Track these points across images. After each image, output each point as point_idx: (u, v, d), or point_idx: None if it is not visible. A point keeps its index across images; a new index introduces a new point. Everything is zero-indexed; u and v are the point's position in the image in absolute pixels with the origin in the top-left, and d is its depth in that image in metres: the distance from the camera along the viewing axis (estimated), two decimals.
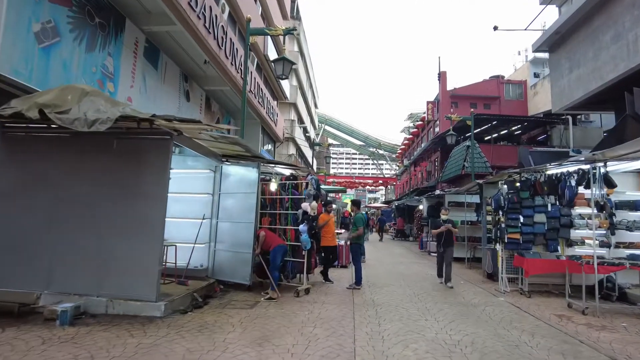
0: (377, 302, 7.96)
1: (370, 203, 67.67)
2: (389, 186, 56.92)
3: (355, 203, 9.64)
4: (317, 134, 54.05)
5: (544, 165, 8.40)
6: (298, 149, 34.32)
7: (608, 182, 7.57)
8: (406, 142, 49.07)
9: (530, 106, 33.44)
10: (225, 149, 8.24)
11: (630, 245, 9.43)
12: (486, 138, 28.11)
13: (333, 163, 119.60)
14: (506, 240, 9.40)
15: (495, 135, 29.17)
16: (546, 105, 28.89)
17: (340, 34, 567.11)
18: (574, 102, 16.51)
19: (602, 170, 7.57)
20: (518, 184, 9.45)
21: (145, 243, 6.35)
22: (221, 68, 13.60)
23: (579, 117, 26.94)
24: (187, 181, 9.06)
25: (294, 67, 34.38)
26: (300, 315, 6.69)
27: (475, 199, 15.20)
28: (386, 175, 61.11)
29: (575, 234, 9.51)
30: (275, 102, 27.36)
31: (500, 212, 9.50)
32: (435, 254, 16.99)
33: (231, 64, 14.21)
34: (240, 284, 8.43)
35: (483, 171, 21.06)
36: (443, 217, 10.61)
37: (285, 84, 27.73)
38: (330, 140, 67.35)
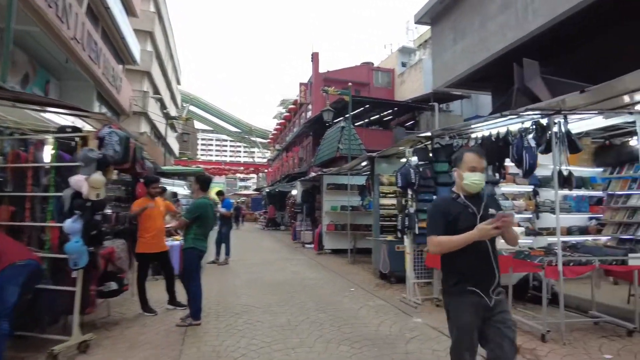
0: (226, 354, 4.23)
1: (241, 191, 63.18)
2: (260, 173, 53.35)
3: (201, 179, 5.59)
4: (180, 115, 47.64)
5: (478, 120, 5.62)
6: (153, 127, 28.43)
7: (572, 144, 5.01)
8: (278, 127, 45.88)
9: (397, 94, 33.01)
10: None
11: (554, 232, 7.29)
12: (358, 123, 26.66)
13: (202, 150, 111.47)
14: (417, 231, 6.49)
15: (367, 120, 28.01)
16: (413, 94, 28.41)
17: (211, 17, 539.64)
18: (458, 76, 14.59)
19: (564, 127, 4.97)
20: (431, 153, 6.59)
21: None
22: None
23: (441, 105, 26.80)
24: None
25: (149, 29, 28.07)
26: None
27: (359, 180, 12.44)
28: (258, 162, 57.34)
29: None
30: (121, 67, 21.48)
31: (410, 192, 6.53)
32: (311, 246, 14.21)
33: None
34: None
35: (358, 154, 18.86)
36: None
37: (134, 46, 21.88)
38: (197, 125, 60.90)
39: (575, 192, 7.63)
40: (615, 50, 8.53)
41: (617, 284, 7.04)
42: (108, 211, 6.79)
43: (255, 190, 44.47)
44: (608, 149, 7.24)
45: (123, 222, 6.82)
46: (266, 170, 49.55)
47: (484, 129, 5.93)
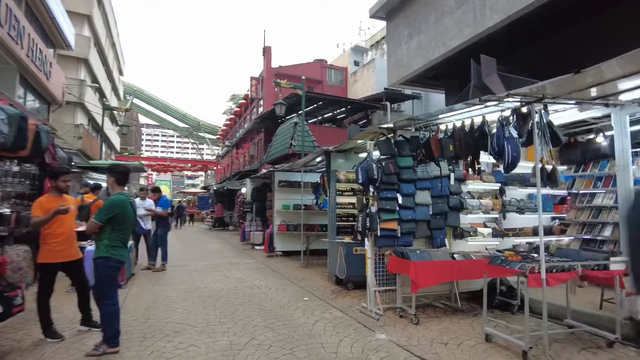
0: None
1: (187, 189, 60.28)
2: (209, 171, 51.11)
3: (117, 171, 4.43)
4: (122, 105, 44.52)
5: (451, 108, 4.94)
6: (92, 119, 26.00)
7: (555, 136, 4.45)
8: (228, 122, 44.01)
9: (350, 93, 32.66)
10: None
11: (520, 232, 6.86)
12: (311, 120, 25.98)
13: (147, 145, 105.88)
14: (379, 233, 5.74)
15: (320, 118, 27.45)
16: (365, 93, 28.21)
17: (158, 7, 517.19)
18: (413, 72, 14.13)
19: (545, 117, 4.40)
20: (397, 145, 5.87)
21: None
22: None
23: (392, 105, 26.71)
24: None
25: (86, 13, 25.56)
26: None
27: (313, 177, 11.62)
28: (206, 159, 54.98)
29: (465, 219, 6.48)
30: (52, 51, 19.30)
31: (371, 189, 5.76)
32: (261, 247, 13.16)
33: None
34: None
35: (311, 150, 18.10)
36: None
37: (68, 29, 19.65)
38: (142, 119, 57.45)
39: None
40: (572, 48, 8.32)
41: (581, 287, 6.71)
42: (6, 211, 5.49)
43: (203, 188, 42.39)
44: (573, 147, 6.89)
45: (26, 224, 5.56)
46: (215, 168, 47.60)
47: (453, 119, 5.29)
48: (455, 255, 5.63)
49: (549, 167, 5.53)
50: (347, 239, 7.61)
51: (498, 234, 6.45)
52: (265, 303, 6.36)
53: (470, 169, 5.13)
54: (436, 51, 12.12)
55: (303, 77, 17.53)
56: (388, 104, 24.16)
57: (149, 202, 9.29)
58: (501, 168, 4.50)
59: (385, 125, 6.07)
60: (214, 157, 50.71)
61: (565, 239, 7.27)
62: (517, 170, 7.12)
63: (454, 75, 12.29)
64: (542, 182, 4.32)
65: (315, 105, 23.51)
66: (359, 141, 7.16)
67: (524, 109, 4.35)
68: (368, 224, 5.66)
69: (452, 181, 6.34)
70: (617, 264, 4.60)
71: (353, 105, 25.31)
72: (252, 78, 32.52)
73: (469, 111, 4.93)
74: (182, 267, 9.84)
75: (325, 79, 32.94)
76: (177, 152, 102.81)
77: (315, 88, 32.10)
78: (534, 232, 6.99)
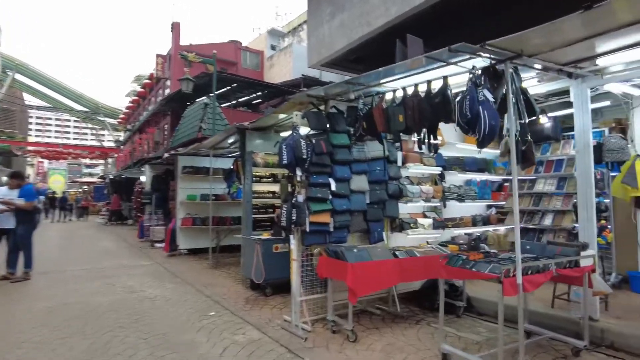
0: None
1: (84, 178, 53.55)
2: (110, 159, 45.76)
3: None
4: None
5: (398, 66, 3.79)
6: None
7: (529, 105, 3.54)
8: (131, 104, 39.45)
9: (266, 77, 31.02)
10: None
11: (459, 223, 6.09)
12: (224, 105, 23.94)
13: (38, 130, 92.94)
14: (308, 229, 4.48)
15: (234, 102, 25.48)
16: (282, 78, 26.88)
17: None
18: (335, 53, 13.01)
19: (517, 81, 3.46)
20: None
21: None
22: None
23: None
24: None
25: None
26: None
27: (224, 163, 10.03)
28: (108, 146, 49.20)
29: (404, 209, 5.49)
30: None
31: (299, 172, 4.46)
32: (162, 246, 11.13)
33: None
34: None
35: None
36: None
37: None
38: (28, 99, 49.33)
39: (478, 177, 6.57)
40: (505, 33, 7.81)
41: None
42: None
43: (100, 177, 37.64)
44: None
45: None
46: (116, 155, 42.82)
47: (402, 84, 4.18)
48: (397, 253, 4.59)
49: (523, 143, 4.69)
50: (265, 235, 6.26)
51: (439, 224, 5.59)
52: (158, 323, 4.78)
53: (423, 146, 4.08)
54: (360, 30, 11.09)
55: (214, 52, 15.62)
56: (306, 90, 23.06)
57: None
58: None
59: (315, 93, 4.80)
60: (115, 144, 45.46)
61: (502, 229, 6.72)
62: (453, 154, 6.40)
63: (377, 58, 11.34)
64: (517, 162, 3.38)
65: (229, 87, 21.58)
66: (282, 115, 5.82)
67: (499, 67, 3.36)
68: (294, 217, 4.36)
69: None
70: (586, 259, 3.89)
71: (270, 90, 23.78)
72: (158, 55, 29.24)
73: (423, 72, 3.85)
74: (56, 275, 7.68)
75: (240, 62, 30.95)
76: (74, 139, 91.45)
77: (229, 70, 29.88)
78: (473, 222, 6.28)
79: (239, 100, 25.27)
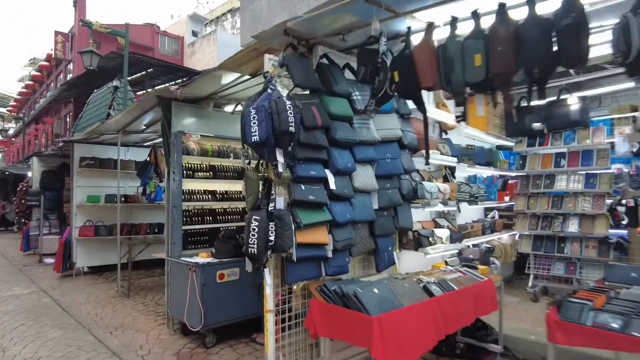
0: None
1: None
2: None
3: None
4: None
5: None
6: None
7: None
8: (24, 90, 33.21)
9: (186, 65, 27.81)
10: None
11: (471, 232, 4.54)
12: (140, 92, 20.66)
13: None
14: (295, 257, 2.53)
15: (150, 90, 22.16)
16: (204, 66, 24.03)
17: None
18: (273, 27, 10.93)
19: None
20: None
21: None
22: None
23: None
24: None
25: None
26: None
27: (138, 153, 7.60)
28: None
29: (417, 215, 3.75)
30: None
31: (280, 158, 2.48)
32: (51, 263, 7.92)
33: None
34: None
35: None
36: None
37: None
38: None
39: (483, 171, 5.09)
40: None
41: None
42: None
43: None
44: (524, 113, 4.90)
45: None
46: (5, 149, 36.09)
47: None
48: (428, 286, 2.84)
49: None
50: (203, 256, 4.14)
51: (456, 237, 3.97)
52: None
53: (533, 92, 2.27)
54: (305, 5, 9.23)
55: (126, 22, 12.72)
56: None
57: None
58: None
59: (296, 27, 2.87)
60: (1, 136, 38.23)
61: (505, 236, 5.33)
62: (456, 141, 4.85)
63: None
64: None
65: (145, 72, 18.45)
66: (230, 77, 3.75)
67: None
68: (272, 237, 2.39)
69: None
70: None
71: (191, 77, 20.90)
72: (57, 33, 24.54)
73: None
74: None
75: (157, 47, 27.40)
76: None
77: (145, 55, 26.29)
78: (483, 230, 4.78)
79: (156, 88, 22.00)
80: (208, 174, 4.75)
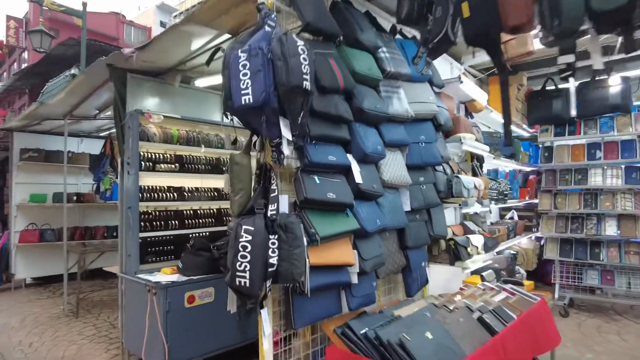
0: None
1: None
2: None
3: None
4: None
5: None
6: None
7: None
8: None
9: None
10: None
11: (499, 236, 3.74)
12: None
13: None
14: (308, 288, 1.62)
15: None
16: None
17: None
18: None
19: None
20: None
21: None
22: None
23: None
24: None
25: None
26: None
27: (92, 145, 6.48)
28: None
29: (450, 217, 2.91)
30: None
31: (287, 133, 1.57)
32: None
33: None
34: None
35: None
36: None
37: None
38: None
39: (505, 164, 4.30)
40: None
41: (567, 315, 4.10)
42: None
43: None
44: (550, 97, 4.16)
45: None
46: None
47: None
48: (488, 320, 2.00)
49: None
50: (166, 272, 3.14)
51: (492, 244, 3.15)
52: None
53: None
54: None
55: (84, 1, 11.31)
56: None
57: None
58: None
59: None
60: None
61: (524, 240, 4.60)
62: (483, 127, 4.04)
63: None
64: None
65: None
66: (200, 40, 2.78)
67: None
68: (274, 260, 1.46)
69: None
70: None
71: None
72: (9, 17, 22.42)
73: None
74: None
75: (122, 37, 25.61)
76: None
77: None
78: (508, 234, 4.00)
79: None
80: (173, 166, 3.72)
